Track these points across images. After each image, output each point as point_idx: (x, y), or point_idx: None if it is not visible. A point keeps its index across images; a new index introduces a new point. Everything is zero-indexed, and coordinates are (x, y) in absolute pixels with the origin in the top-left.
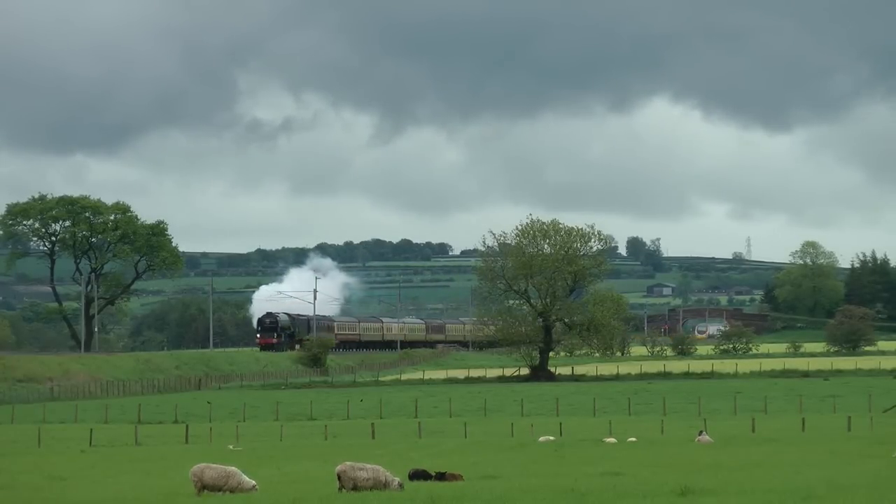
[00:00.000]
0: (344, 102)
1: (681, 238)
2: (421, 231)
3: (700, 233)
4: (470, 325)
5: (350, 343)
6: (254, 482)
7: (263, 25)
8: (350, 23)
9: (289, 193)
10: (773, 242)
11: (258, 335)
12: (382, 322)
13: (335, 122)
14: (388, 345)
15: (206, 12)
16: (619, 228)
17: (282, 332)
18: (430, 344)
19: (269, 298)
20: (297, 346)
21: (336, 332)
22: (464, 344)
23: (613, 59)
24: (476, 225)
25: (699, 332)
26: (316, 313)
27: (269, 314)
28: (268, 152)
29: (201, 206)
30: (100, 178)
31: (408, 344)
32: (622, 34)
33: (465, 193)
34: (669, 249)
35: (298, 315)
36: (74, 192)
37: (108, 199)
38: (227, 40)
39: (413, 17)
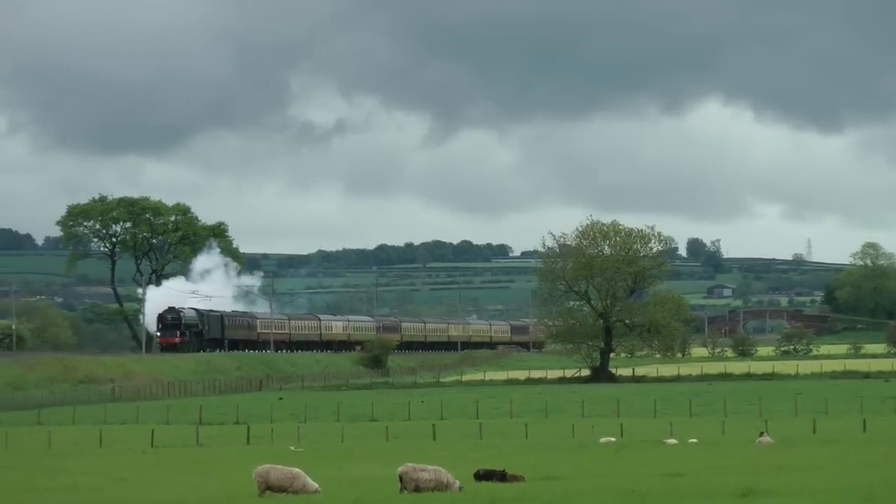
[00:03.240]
0: (395, 104)
1: (739, 239)
2: (476, 232)
3: (757, 234)
4: (434, 324)
5: (279, 343)
6: (317, 485)
7: (315, 27)
8: (400, 24)
9: (344, 195)
10: (829, 243)
11: (158, 334)
12: (320, 320)
13: (387, 123)
14: (325, 345)
15: (257, 14)
16: (675, 229)
17: (187, 331)
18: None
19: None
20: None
21: (259, 330)
22: (426, 346)
23: (664, 60)
24: (531, 226)
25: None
26: (235, 309)
27: (171, 309)
28: (321, 154)
29: (256, 207)
30: (153, 179)
31: (351, 345)
32: (672, 35)
33: (519, 195)
34: (729, 251)
35: (210, 311)
36: (128, 193)
37: (162, 200)
38: (279, 43)
39: (462, 18)
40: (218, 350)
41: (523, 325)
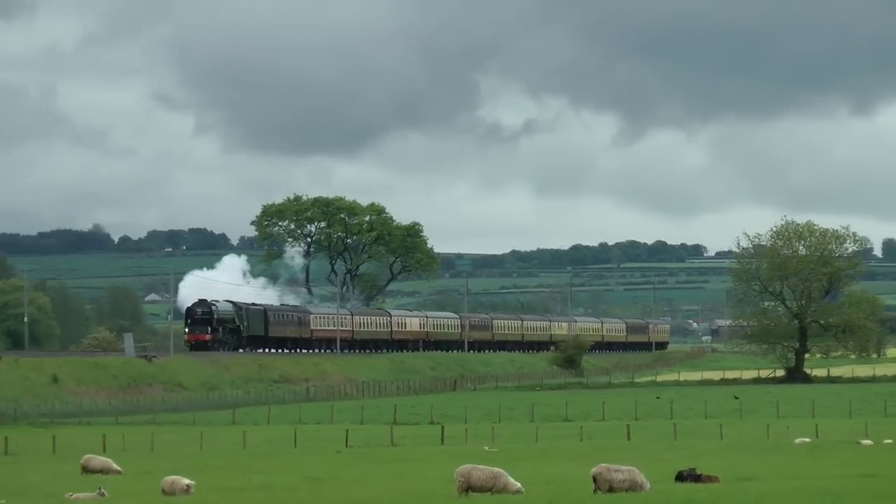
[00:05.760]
0: (584, 104)
1: None
2: (669, 232)
3: None
4: (532, 321)
5: (340, 342)
6: (519, 484)
7: (502, 28)
8: (588, 23)
9: (534, 195)
10: None
11: (186, 330)
12: (391, 316)
13: (575, 123)
14: (399, 345)
15: (445, 15)
16: (870, 230)
17: (220, 327)
18: (465, 344)
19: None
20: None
21: (313, 327)
22: (521, 345)
23: (854, 60)
24: (723, 226)
25: None
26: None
27: (201, 302)
28: (510, 154)
29: (446, 207)
30: (342, 179)
31: (432, 344)
32: (862, 35)
33: (711, 194)
34: None
35: (251, 305)
36: (317, 192)
37: (357, 200)
38: (468, 43)
39: (650, 17)
40: (263, 350)
41: (642, 325)
